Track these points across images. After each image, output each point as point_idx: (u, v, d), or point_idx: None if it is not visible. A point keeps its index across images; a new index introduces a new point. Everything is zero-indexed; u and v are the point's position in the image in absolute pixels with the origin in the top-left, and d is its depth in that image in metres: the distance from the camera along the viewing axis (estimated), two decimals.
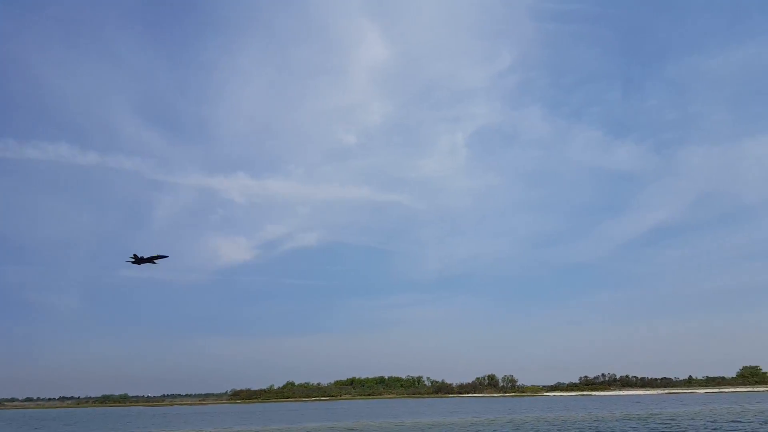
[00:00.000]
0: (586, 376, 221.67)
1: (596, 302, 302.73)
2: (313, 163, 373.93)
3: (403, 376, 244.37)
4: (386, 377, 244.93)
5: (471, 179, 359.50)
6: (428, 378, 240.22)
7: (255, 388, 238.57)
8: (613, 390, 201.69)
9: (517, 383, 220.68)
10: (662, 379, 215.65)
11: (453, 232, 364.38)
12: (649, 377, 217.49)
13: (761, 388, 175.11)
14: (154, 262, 77.43)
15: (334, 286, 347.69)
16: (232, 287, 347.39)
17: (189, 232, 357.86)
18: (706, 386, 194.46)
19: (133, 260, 76.80)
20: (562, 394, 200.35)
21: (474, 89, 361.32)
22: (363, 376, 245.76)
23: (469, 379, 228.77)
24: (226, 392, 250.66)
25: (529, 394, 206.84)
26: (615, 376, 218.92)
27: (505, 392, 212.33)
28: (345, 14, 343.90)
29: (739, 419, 56.81)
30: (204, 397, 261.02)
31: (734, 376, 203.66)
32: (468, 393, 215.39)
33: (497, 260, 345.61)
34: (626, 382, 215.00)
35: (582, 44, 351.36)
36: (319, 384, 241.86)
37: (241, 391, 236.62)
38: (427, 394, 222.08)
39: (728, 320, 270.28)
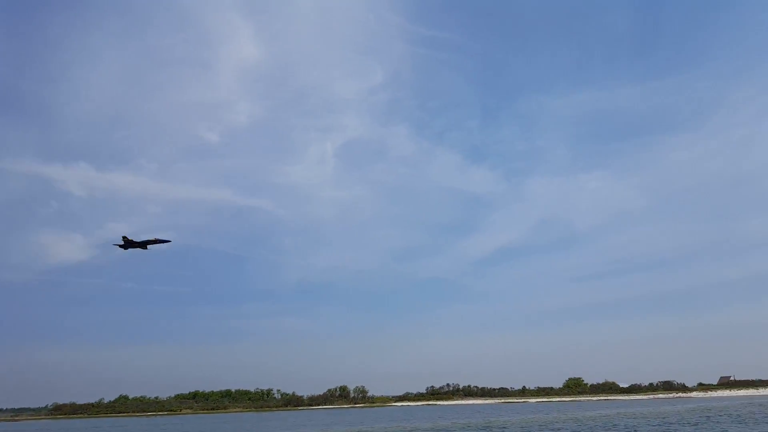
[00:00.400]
0: (432, 386, 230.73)
1: (447, 315, 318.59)
2: (169, 159, 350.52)
3: (252, 389, 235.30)
4: (233, 390, 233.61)
5: (338, 190, 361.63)
6: (278, 390, 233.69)
7: (81, 401, 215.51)
8: (457, 399, 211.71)
9: (368, 394, 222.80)
10: (500, 389, 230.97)
11: (316, 241, 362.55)
12: (489, 387, 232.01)
13: (582, 398, 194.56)
14: (146, 248, 66.64)
15: (182, 292, 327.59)
16: (62, 289, 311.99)
17: (13, 225, 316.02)
18: (537, 396, 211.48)
19: (121, 244, 65.75)
20: (409, 404, 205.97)
21: (346, 101, 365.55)
22: (208, 390, 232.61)
23: (321, 390, 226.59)
24: (46, 406, 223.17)
25: (378, 404, 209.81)
26: (459, 386, 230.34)
27: (356, 403, 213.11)
28: (216, 7, 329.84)
29: (562, 427, 61.17)
30: (17, 413, 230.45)
31: (561, 386, 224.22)
32: (319, 405, 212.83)
33: (358, 272, 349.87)
34: (468, 392, 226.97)
35: (448, 72, 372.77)
36: (157, 398, 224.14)
37: (64, 405, 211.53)
38: (276, 407, 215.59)
39: (557, 335, 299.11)
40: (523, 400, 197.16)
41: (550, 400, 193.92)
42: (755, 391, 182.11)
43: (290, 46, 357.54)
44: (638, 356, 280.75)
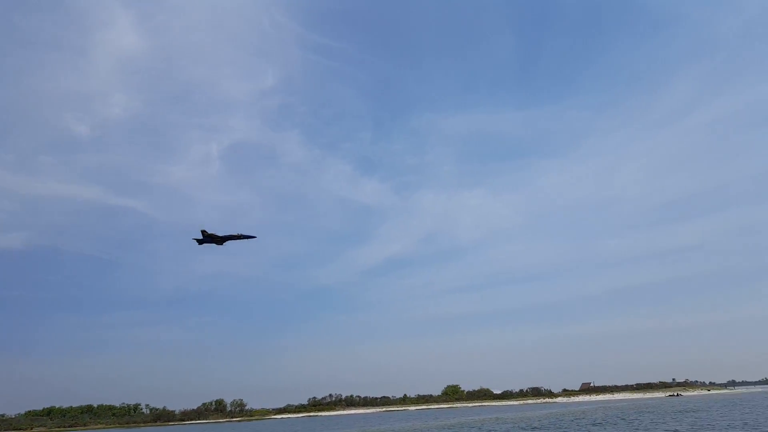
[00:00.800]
0: (314, 397, 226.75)
1: (332, 325, 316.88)
2: (29, 150, 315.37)
3: (117, 404, 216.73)
4: (95, 405, 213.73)
5: (222, 194, 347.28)
6: (147, 405, 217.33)
7: None
8: (339, 410, 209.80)
9: (246, 407, 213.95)
10: (382, 397, 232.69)
11: (195, 247, 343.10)
12: (371, 397, 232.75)
13: (459, 404, 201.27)
14: (222, 244, 57.23)
15: (40, 298, 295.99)
16: None
17: None
18: (417, 404, 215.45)
19: (200, 238, 56.21)
20: (290, 416, 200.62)
21: (234, 102, 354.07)
22: (65, 405, 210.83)
23: (195, 404, 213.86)
24: None
25: (257, 417, 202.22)
26: (341, 396, 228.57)
27: (233, 417, 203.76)
28: None
29: None
30: None
31: (440, 394, 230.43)
32: (192, 420, 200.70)
33: (241, 280, 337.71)
34: (350, 402, 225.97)
35: (341, 82, 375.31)
36: (3, 415, 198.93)
37: None
38: (145, 423, 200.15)
39: (437, 344, 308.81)
40: (403, 408, 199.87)
41: (429, 407, 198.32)
42: (611, 396, 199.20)
43: (175, 40, 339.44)
44: (510, 364, 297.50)
